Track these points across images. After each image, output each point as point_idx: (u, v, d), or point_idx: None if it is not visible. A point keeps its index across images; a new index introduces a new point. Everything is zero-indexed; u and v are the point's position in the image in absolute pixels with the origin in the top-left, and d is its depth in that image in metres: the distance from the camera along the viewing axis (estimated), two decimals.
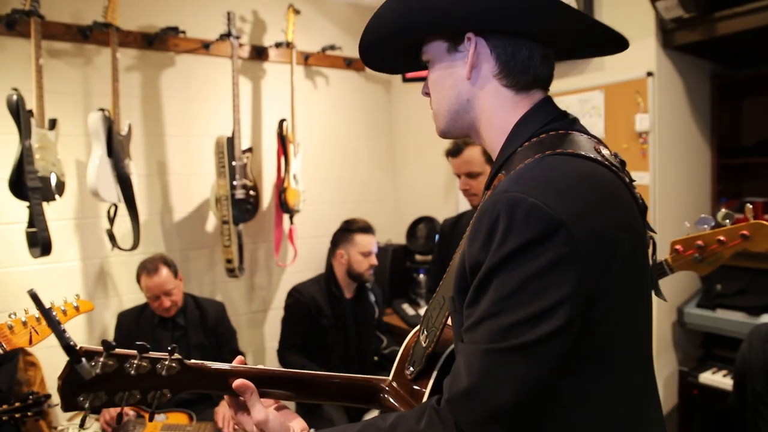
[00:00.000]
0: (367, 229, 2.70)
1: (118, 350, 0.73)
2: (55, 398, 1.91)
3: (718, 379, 2.32)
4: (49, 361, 2.47)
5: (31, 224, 2.25)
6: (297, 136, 3.11)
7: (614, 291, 0.69)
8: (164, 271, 2.39)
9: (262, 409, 0.82)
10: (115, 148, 2.46)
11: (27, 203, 2.22)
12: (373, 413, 2.13)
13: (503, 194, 0.68)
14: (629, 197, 0.77)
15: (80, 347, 0.70)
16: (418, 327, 0.96)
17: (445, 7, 0.77)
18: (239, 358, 0.87)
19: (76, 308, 1.55)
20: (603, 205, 0.71)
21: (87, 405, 0.71)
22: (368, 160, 3.73)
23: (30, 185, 2.19)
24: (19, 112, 2.19)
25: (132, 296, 2.73)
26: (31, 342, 1.32)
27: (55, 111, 2.38)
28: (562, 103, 2.37)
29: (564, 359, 0.67)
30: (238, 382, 0.82)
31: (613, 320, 0.70)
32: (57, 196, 2.32)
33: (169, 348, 0.78)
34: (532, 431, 0.71)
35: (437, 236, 3.08)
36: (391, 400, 0.92)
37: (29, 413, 1.95)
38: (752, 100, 2.83)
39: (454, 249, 0.89)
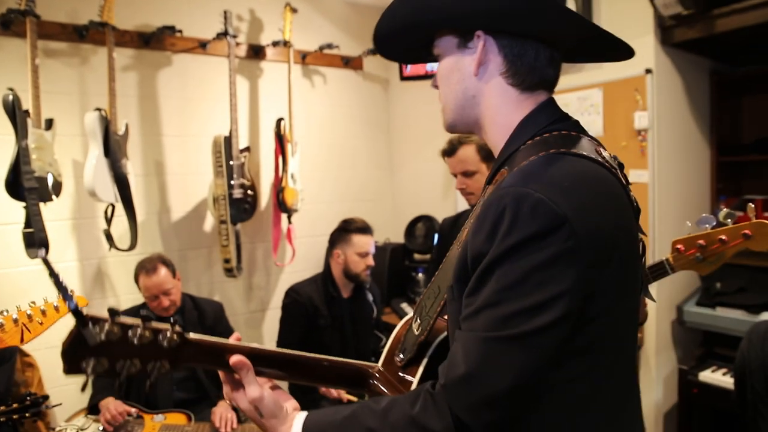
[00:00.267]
0: (364, 229, 2.69)
1: (122, 319, 0.75)
2: (54, 399, 1.91)
3: (717, 377, 2.32)
4: (47, 362, 2.46)
5: (28, 225, 2.24)
6: (295, 136, 3.10)
7: (610, 288, 0.73)
8: (163, 271, 2.39)
9: (258, 386, 0.83)
10: (112, 148, 2.45)
11: (24, 204, 2.21)
12: None
13: (510, 188, 0.71)
14: (626, 199, 0.81)
15: (87, 313, 0.72)
16: (409, 315, 0.98)
17: (455, 6, 0.81)
18: (236, 335, 0.88)
19: None
20: (604, 204, 0.74)
21: (89, 370, 0.73)
22: (366, 159, 3.72)
23: (27, 185, 2.18)
24: (15, 112, 2.18)
25: (130, 296, 2.72)
26: (22, 340, 1.30)
27: (51, 111, 2.36)
28: (561, 100, 2.35)
29: (559, 350, 0.70)
30: (235, 359, 0.83)
31: (606, 317, 0.73)
32: (54, 197, 2.31)
33: (171, 320, 0.80)
34: (521, 420, 0.74)
35: (437, 236, 3.08)
36: (380, 386, 0.94)
37: (27, 414, 1.94)
38: (752, 98, 2.83)
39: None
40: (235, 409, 2.29)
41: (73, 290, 1.60)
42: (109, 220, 2.56)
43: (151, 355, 0.77)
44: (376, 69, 3.72)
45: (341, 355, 1.00)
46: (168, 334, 0.78)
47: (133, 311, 2.50)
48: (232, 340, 0.86)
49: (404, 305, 3.29)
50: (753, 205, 1.38)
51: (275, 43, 3.14)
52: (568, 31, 0.82)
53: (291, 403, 0.87)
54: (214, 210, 2.81)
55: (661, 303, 2.49)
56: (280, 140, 3.03)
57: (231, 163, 2.78)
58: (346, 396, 2.42)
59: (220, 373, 0.86)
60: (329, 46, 3.33)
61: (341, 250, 2.66)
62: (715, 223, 1.41)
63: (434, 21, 0.85)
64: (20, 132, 2.18)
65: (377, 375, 0.96)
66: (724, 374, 2.31)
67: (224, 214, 2.76)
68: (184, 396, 2.40)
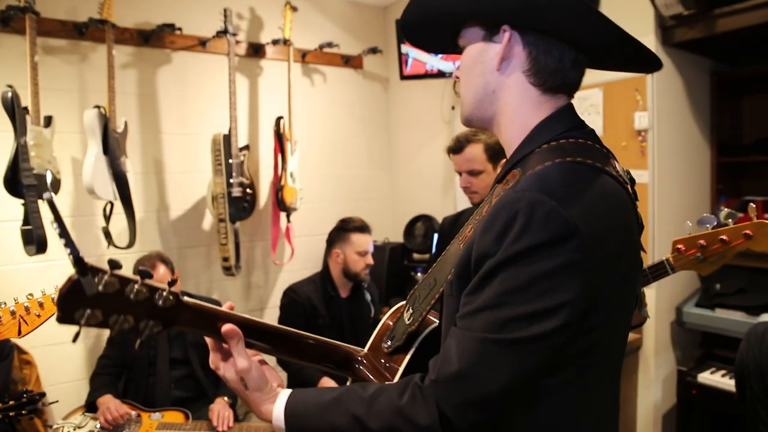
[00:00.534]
0: (363, 228, 2.68)
1: (121, 273, 0.74)
2: (51, 396, 1.91)
3: (717, 378, 2.31)
4: (45, 360, 2.46)
5: (26, 222, 2.24)
6: (294, 134, 3.10)
7: (610, 302, 0.73)
8: (161, 269, 2.38)
9: (246, 358, 0.83)
10: (111, 146, 2.45)
11: (22, 201, 2.20)
12: None
13: (525, 192, 0.71)
14: (634, 215, 0.81)
15: (88, 262, 0.70)
16: (401, 303, 0.98)
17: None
18: (229, 303, 0.88)
19: None
20: (614, 219, 0.74)
21: (83, 321, 0.71)
22: (366, 158, 3.72)
23: (25, 183, 2.17)
24: (14, 109, 2.17)
25: None
26: (20, 333, 1.29)
27: (50, 108, 2.36)
28: None
29: (554, 357, 0.70)
30: (227, 327, 0.82)
31: (601, 328, 0.73)
32: (53, 194, 2.30)
33: (169, 281, 0.79)
34: (507, 423, 0.74)
35: (437, 235, 3.07)
36: (365, 371, 0.94)
37: (24, 412, 1.93)
38: (752, 98, 2.82)
39: None
40: (232, 406, 2.29)
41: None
42: (107, 218, 2.55)
43: (145, 313, 0.76)
44: (376, 68, 3.71)
45: None
46: (164, 293, 0.77)
47: None
48: (225, 308, 0.86)
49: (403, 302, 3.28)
50: (754, 206, 1.37)
51: (275, 42, 3.13)
52: (598, 36, 0.80)
53: (276, 379, 0.87)
54: (213, 208, 2.81)
55: (660, 304, 2.48)
56: (280, 139, 3.02)
57: (230, 161, 2.77)
58: None
59: (209, 341, 0.85)
60: (329, 44, 3.32)
61: (340, 249, 2.65)
62: (716, 223, 1.40)
63: (462, 12, 0.84)
64: (19, 129, 2.18)
65: (363, 359, 0.96)
66: (723, 376, 2.31)
67: (223, 212, 2.76)
68: (181, 394, 2.40)
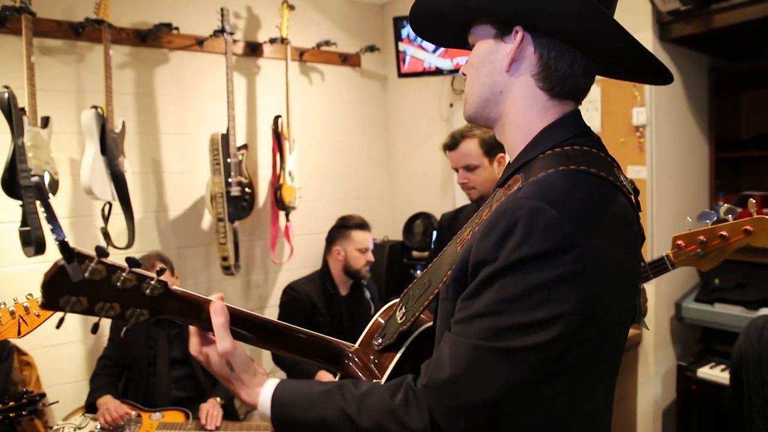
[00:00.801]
0: (363, 225, 2.69)
1: (109, 260, 0.73)
2: (51, 397, 1.91)
3: (716, 373, 2.31)
4: (45, 361, 2.46)
5: (24, 223, 2.23)
6: (292, 133, 3.09)
7: (607, 313, 0.72)
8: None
9: (231, 339, 0.82)
10: (109, 146, 2.44)
11: (20, 202, 2.20)
12: None
13: (526, 200, 0.70)
14: (636, 226, 0.80)
15: (74, 248, 0.69)
16: (394, 302, 0.97)
17: None
18: (219, 294, 0.87)
19: None
20: (616, 231, 0.73)
21: (67, 307, 0.70)
22: (364, 156, 3.71)
23: (23, 184, 2.17)
24: (11, 110, 2.17)
25: None
26: (19, 333, 1.29)
27: (47, 109, 2.36)
28: None
29: (547, 368, 0.69)
30: (216, 304, 0.82)
31: (598, 340, 0.73)
32: (50, 195, 2.30)
33: (158, 269, 0.78)
34: (497, 430, 0.73)
35: (435, 232, 3.07)
36: (354, 367, 0.94)
37: (24, 413, 1.93)
38: (750, 94, 2.82)
39: None
40: (224, 407, 2.30)
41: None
42: (106, 219, 2.55)
43: (132, 301, 0.75)
44: (374, 66, 3.71)
45: None
46: (152, 282, 0.76)
47: None
48: (215, 298, 0.86)
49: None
50: (754, 201, 1.37)
51: (272, 41, 3.13)
52: (611, 44, 0.78)
53: (261, 369, 0.87)
54: (212, 208, 2.81)
55: (659, 299, 2.49)
56: (278, 138, 3.02)
57: (228, 160, 2.77)
58: None
59: (191, 329, 0.84)
60: (327, 43, 3.32)
61: (341, 246, 2.65)
62: (715, 219, 1.40)
63: (476, 8, 0.82)
64: (16, 130, 2.17)
65: (353, 356, 0.95)
66: (722, 370, 2.31)
67: (222, 211, 2.76)
68: (181, 394, 2.40)
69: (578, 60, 0.80)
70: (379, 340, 0.93)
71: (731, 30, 2.21)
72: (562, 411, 0.74)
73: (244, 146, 2.91)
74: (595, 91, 2.55)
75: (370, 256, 2.67)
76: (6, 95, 2.16)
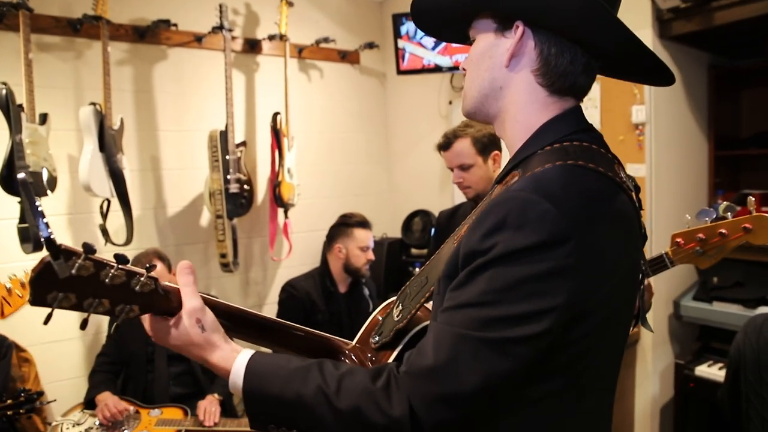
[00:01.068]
0: (364, 223, 2.69)
1: (97, 256, 0.72)
2: (50, 394, 1.90)
3: (714, 372, 2.32)
4: (43, 358, 2.46)
5: (22, 220, 2.23)
6: (291, 130, 3.08)
7: (602, 310, 0.71)
8: (158, 266, 2.38)
9: (200, 299, 0.80)
10: (107, 143, 2.44)
11: (18, 199, 2.19)
12: None
13: (519, 192, 0.69)
14: (637, 224, 0.79)
15: (60, 244, 0.69)
16: (391, 299, 0.97)
17: None
18: (212, 293, 0.86)
19: None
20: (612, 226, 0.72)
21: (55, 304, 0.70)
22: (363, 153, 3.71)
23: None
24: (9, 106, 2.16)
25: None
26: (2, 314, 1.28)
27: (45, 105, 2.35)
28: None
29: (534, 364, 0.68)
30: (182, 263, 0.81)
31: (590, 340, 0.71)
32: (49, 192, 2.30)
33: (147, 265, 0.77)
34: (483, 426, 0.72)
35: (433, 229, 3.07)
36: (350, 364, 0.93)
37: (22, 410, 1.94)
38: (750, 92, 2.81)
39: None
40: (222, 404, 2.30)
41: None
42: (104, 216, 2.54)
43: (121, 297, 0.74)
44: (373, 63, 3.70)
45: None
46: (142, 279, 0.75)
47: None
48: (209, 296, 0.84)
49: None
50: (753, 199, 1.37)
51: (271, 37, 3.12)
52: (613, 42, 0.77)
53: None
54: (211, 205, 2.80)
55: (658, 297, 2.48)
56: (277, 135, 3.01)
57: (227, 157, 2.77)
58: None
59: (143, 317, 0.82)
60: (326, 40, 3.31)
61: (342, 244, 2.65)
62: (714, 217, 1.40)
63: (477, 2, 0.81)
64: (14, 127, 2.17)
65: (350, 353, 0.95)
66: (720, 369, 2.31)
67: (220, 208, 2.75)
68: (180, 391, 2.40)
69: (579, 57, 0.79)
70: (376, 338, 0.92)
71: (731, 27, 2.20)
72: (557, 411, 0.72)
73: (243, 143, 2.91)
74: (594, 89, 2.54)
75: (371, 255, 2.68)
76: (4, 92, 2.15)
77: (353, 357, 0.94)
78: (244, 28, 3.14)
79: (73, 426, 2.16)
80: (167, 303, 0.80)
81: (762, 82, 2.75)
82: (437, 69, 3.16)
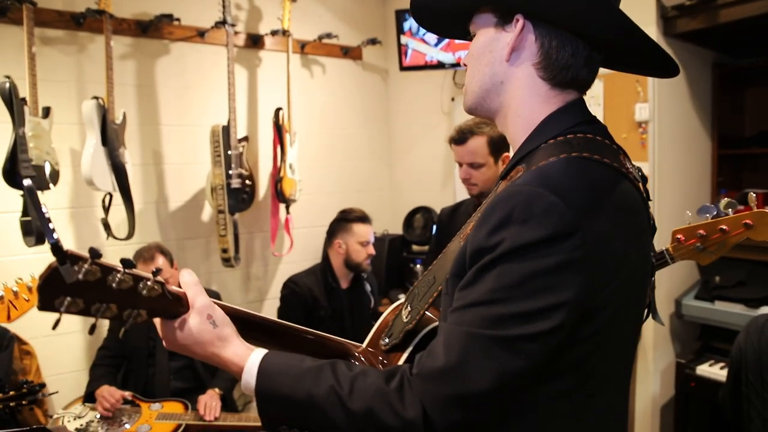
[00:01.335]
0: (364, 218, 2.69)
1: (103, 261, 0.72)
2: (51, 387, 1.91)
3: (715, 371, 2.31)
4: (45, 351, 2.47)
5: (25, 213, 2.24)
6: (293, 125, 3.08)
7: (612, 305, 0.69)
8: (160, 260, 2.39)
9: (206, 294, 0.81)
10: (110, 137, 2.44)
11: (21, 192, 2.20)
12: None
13: (523, 186, 0.68)
14: (645, 215, 0.77)
15: (67, 249, 0.69)
16: (400, 301, 0.96)
17: None
18: (213, 288, 0.86)
19: None
20: (619, 217, 0.71)
21: (62, 309, 0.70)
22: (365, 149, 3.71)
23: (24, 174, 2.17)
24: (12, 100, 2.17)
25: None
26: (9, 317, 1.29)
27: (48, 99, 2.36)
28: None
29: (547, 361, 0.67)
30: (183, 270, 0.82)
31: (601, 336, 0.70)
32: (51, 185, 2.30)
33: (153, 270, 0.77)
34: (494, 427, 0.70)
35: (435, 226, 3.07)
36: None
37: (24, 402, 1.94)
38: (754, 90, 2.80)
39: (452, 237, 0.88)
40: (222, 398, 2.31)
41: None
42: (106, 209, 2.55)
43: (129, 302, 0.74)
44: (376, 59, 3.69)
45: None
46: (149, 283, 0.75)
47: None
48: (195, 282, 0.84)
49: (402, 296, 3.26)
50: (754, 195, 1.36)
51: (274, 33, 3.11)
52: (615, 34, 0.76)
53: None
54: (212, 200, 2.81)
55: (659, 296, 2.48)
56: (279, 130, 3.01)
57: (229, 152, 2.77)
58: None
59: (155, 320, 0.82)
60: (328, 35, 3.30)
61: (342, 239, 2.65)
62: (715, 213, 1.39)
63: None
64: (17, 120, 2.17)
65: (360, 356, 0.95)
66: (721, 368, 2.31)
67: (222, 203, 2.76)
68: (181, 385, 2.40)
69: (581, 50, 0.78)
70: (386, 340, 0.91)
71: (736, 25, 2.19)
72: (568, 410, 0.71)
73: (245, 138, 2.91)
74: (597, 87, 2.53)
75: (371, 249, 2.68)
76: (7, 85, 2.16)
77: (363, 359, 0.94)
78: (247, 23, 3.14)
79: (74, 419, 2.17)
80: (175, 306, 0.79)
81: (766, 81, 2.73)
82: (440, 65, 3.16)
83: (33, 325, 2.44)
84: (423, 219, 3.44)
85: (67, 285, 0.69)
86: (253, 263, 3.23)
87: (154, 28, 2.78)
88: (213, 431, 2.18)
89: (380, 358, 0.92)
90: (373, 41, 3.51)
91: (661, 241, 2.37)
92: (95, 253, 0.70)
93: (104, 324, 2.68)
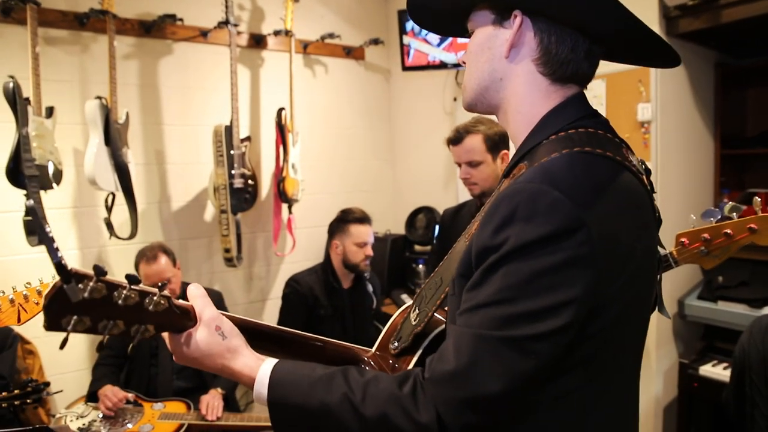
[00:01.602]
0: (362, 219, 2.68)
1: (108, 278, 0.72)
2: (54, 386, 1.91)
3: (718, 371, 2.31)
4: (48, 350, 2.48)
5: (28, 213, 2.24)
6: (296, 125, 3.09)
7: (619, 300, 0.69)
8: (163, 259, 2.39)
9: (213, 306, 0.81)
10: (113, 137, 2.44)
11: (24, 191, 2.20)
12: None
13: (526, 184, 0.67)
14: (650, 208, 0.77)
15: (71, 268, 0.69)
16: (408, 304, 0.96)
17: None
18: (216, 287, 0.86)
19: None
20: (624, 212, 0.70)
21: (69, 327, 0.70)
22: (367, 149, 3.71)
23: (27, 173, 2.17)
24: (15, 99, 2.17)
25: None
26: (19, 320, 1.30)
27: (52, 99, 2.36)
28: None
29: (557, 359, 0.66)
30: (190, 285, 0.82)
31: (610, 331, 0.70)
32: (54, 185, 2.31)
33: (159, 284, 0.77)
34: (505, 427, 0.70)
35: (437, 227, 3.07)
36: None
37: (28, 401, 1.95)
38: (757, 90, 2.79)
39: (455, 238, 0.88)
40: (225, 398, 2.31)
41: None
42: (109, 209, 2.55)
43: (135, 318, 0.74)
44: (378, 59, 3.69)
45: None
46: (155, 298, 0.75)
47: None
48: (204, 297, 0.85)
49: (404, 296, 3.29)
50: (759, 199, 1.36)
51: (276, 33, 3.12)
52: (614, 26, 0.76)
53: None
54: (215, 199, 2.81)
55: (663, 296, 2.48)
56: (281, 130, 3.02)
57: (232, 152, 2.77)
58: None
59: (164, 334, 0.82)
60: (331, 35, 3.30)
61: (339, 240, 2.66)
62: (719, 217, 1.39)
63: None
64: (21, 120, 2.18)
65: (370, 360, 0.95)
66: (724, 368, 2.30)
67: (225, 203, 2.76)
68: (183, 385, 2.41)
69: (580, 44, 0.77)
70: (395, 344, 0.90)
71: (738, 25, 2.19)
72: (578, 408, 0.70)
73: (248, 138, 2.91)
74: (600, 86, 2.53)
75: (369, 251, 2.67)
76: (11, 85, 2.16)
77: (373, 364, 0.94)
78: (250, 23, 3.14)
79: (77, 418, 2.17)
80: (182, 320, 0.79)
81: None
82: (442, 65, 3.16)
83: (36, 325, 2.44)
84: (425, 219, 3.44)
85: (73, 304, 0.69)
86: (256, 263, 3.23)
87: (157, 28, 2.79)
88: (215, 431, 2.19)
89: (390, 362, 0.91)
90: (375, 41, 3.52)
91: (664, 243, 2.37)
92: (100, 271, 0.70)
93: None
